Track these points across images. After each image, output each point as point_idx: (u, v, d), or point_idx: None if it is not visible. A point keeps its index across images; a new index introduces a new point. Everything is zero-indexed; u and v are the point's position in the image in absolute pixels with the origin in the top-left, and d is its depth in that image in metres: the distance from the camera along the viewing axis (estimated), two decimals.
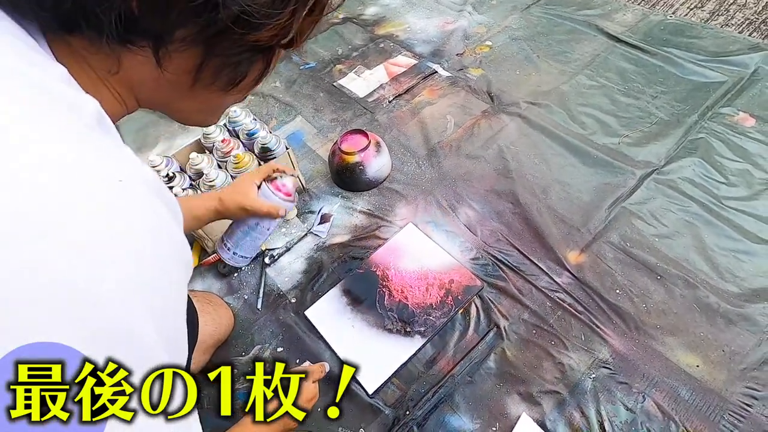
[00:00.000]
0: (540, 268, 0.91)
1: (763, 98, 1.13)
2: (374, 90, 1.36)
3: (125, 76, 0.30)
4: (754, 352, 0.77)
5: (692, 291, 0.85)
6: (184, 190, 0.92)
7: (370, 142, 1.07)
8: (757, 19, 1.36)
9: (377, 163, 1.08)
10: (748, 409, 0.72)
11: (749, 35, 1.31)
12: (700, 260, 0.89)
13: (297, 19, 0.30)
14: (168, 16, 0.27)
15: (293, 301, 0.94)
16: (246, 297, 0.97)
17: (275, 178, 0.74)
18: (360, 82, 1.40)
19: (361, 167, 1.06)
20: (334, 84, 1.41)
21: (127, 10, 0.25)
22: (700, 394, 0.74)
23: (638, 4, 1.49)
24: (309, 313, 0.91)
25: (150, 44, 0.28)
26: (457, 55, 1.43)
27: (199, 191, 0.95)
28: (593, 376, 0.77)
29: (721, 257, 0.88)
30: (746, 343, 0.78)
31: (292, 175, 0.76)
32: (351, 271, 0.96)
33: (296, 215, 1.08)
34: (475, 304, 0.88)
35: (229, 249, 0.75)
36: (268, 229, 0.75)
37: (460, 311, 0.87)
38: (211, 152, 1.03)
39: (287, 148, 1.02)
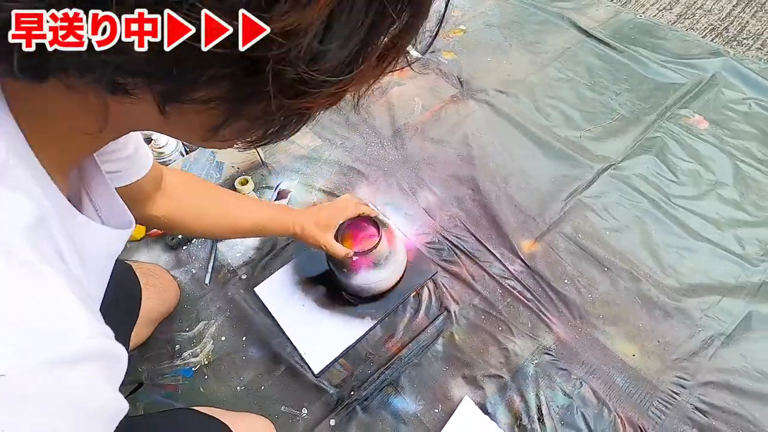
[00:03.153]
0: (494, 255, 0.92)
1: (717, 103, 1.17)
2: None
3: (111, 125, 0.25)
4: (686, 344, 0.80)
5: (636, 284, 0.88)
6: None
7: (374, 247, 0.77)
8: (720, 25, 1.40)
9: (367, 277, 0.79)
10: (676, 397, 0.75)
11: (711, 40, 1.35)
12: (645, 254, 0.92)
13: (364, 79, 0.25)
14: (186, 75, 0.20)
15: (243, 277, 0.91)
16: (194, 271, 0.93)
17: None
18: None
19: (345, 271, 0.79)
20: None
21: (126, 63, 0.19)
22: (634, 382, 0.77)
23: (611, 1, 1.50)
24: (258, 290, 0.88)
25: (156, 99, 0.22)
26: (430, 37, 1.40)
27: None
28: (536, 361, 0.79)
29: (665, 253, 0.92)
30: (680, 335, 0.81)
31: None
32: (305, 249, 0.94)
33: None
34: (428, 287, 0.88)
35: None
36: None
37: (413, 294, 0.87)
38: None
39: None
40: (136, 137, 0.51)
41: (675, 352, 0.80)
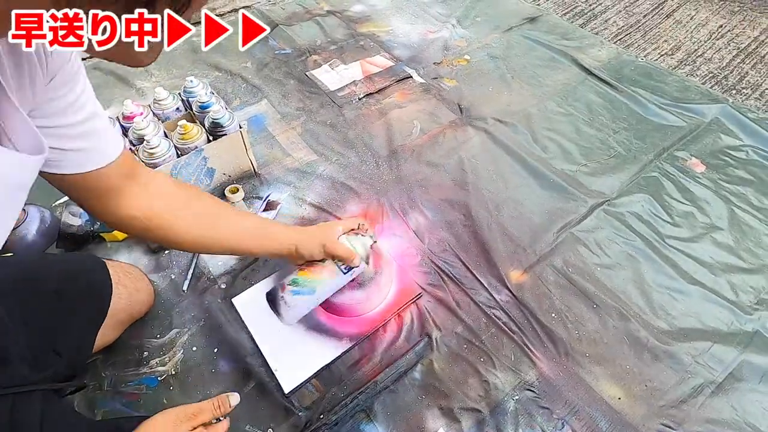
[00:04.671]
0: (481, 283, 0.90)
1: (715, 147, 1.17)
2: (346, 85, 1.34)
3: None
4: (674, 390, 0.77)
5: (625, 323, 0.85)
6: None
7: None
8: (720, 74, 1.42)
9: (352, 296, 0.79)
10: None
11: (711, 87, 1.36)
12: (636, 294, 0.89)
13: None
14: None
15: (223, 287, 0.89)
16: (173, 277, 0.91)
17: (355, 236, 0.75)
18: (333, 75, 1.37)
19: None
20: (307, 73, 1.37)
21: None
22: (618, 427, 0.73)
23: (614, 43, 1.53)
24: (236, 301, 0.85)
25: None
26: (434, 63, 1.42)
27: (137, 156, 0.89)
28: (516, 397, 0.76)
29: (657, 294, 0.89)
30: (668, 380, 0.78)
31: (371, 237, 0.76)
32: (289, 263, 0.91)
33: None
34: (411, 311, 0.85)
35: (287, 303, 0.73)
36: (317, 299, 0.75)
37: (394, 317, 0.84)
38: (159, 120, 0.97)
39: (240, 127, 0.97)
40: (93, 107, 0.46)
41: (662, 398, 0.76)
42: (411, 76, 1.37)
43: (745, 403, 0.75)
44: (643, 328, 0.84)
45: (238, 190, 1.03)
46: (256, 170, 1.08)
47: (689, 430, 0.73)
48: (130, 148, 0.92)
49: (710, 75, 1.42)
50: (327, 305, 0.83)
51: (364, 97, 1.30)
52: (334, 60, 1.42)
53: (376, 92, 1.31)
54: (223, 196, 1.03)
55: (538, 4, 1.72)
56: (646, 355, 0.81)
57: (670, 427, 0.73)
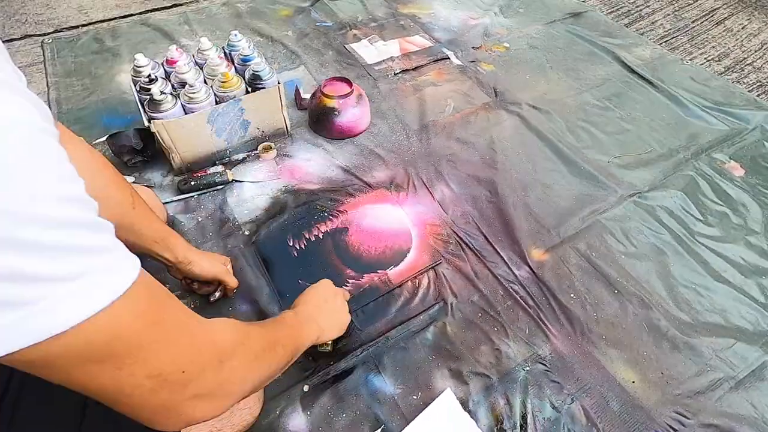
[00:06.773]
0: (501, 256, 0.89)
1: (756, 153, 1.14)
2: (383, 60, 1.34)
3: None
4: (691, 381, 0.75)
5: (646, 311, 0.83)
6: (162, 93, 0.89)
7: (352, 91, 1.08)
8: None
9: (353, 113, 1.08)
10: None
11: (758, 96, 1.32)
12: (660, 285, 0.87)
13: None
14: None
15: (246, 233, 0.91)
16: (200, 219, 0.93)
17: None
18: (371, 50, 1.38)
19: (337, 113, 1.06)
20: (346, 46, 1.39)
21: None
22: (630, 409, 0.71)
23: (659, 44, 1.50)
24: (258, 245, 0.87)
25: None
26: (473, 48, 1.42)
27: (178, 100, 0.91)
28: (528, 368, 0.75)
29: (682, 287, 0.87)
30: (686, 371, 0.76)
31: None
32: (314, 216, 0.93)
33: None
34: (428, 276, 0.86)
35: None
36: None
37: (413, 278, 0.85)
38: (201, 68, 1.00)
39: (279, 83, 0.99)
40: None
41: (679, 387, 0.74)
42: (448, 58, 1.37)
43: (765, 402, 0.73)
44: (664, 318, 0.82)
45: (271, 148, 1.05)
46: (289, 129, 1.09)
47: (704, 421, 0.70)
48: (171, 93, 0.94)
49: (758, 84, 1.37)
50: (336, 127, 1.01)
51: (400, 72, 1.31)
52: (373, 36, 1.43)
53: (412, 69, 1.32)
54: (256, 154, 1.05)
55: (584, 1, 1.69)
56: (665, 344, 0.79)
57: (683, 416, 0.71)
